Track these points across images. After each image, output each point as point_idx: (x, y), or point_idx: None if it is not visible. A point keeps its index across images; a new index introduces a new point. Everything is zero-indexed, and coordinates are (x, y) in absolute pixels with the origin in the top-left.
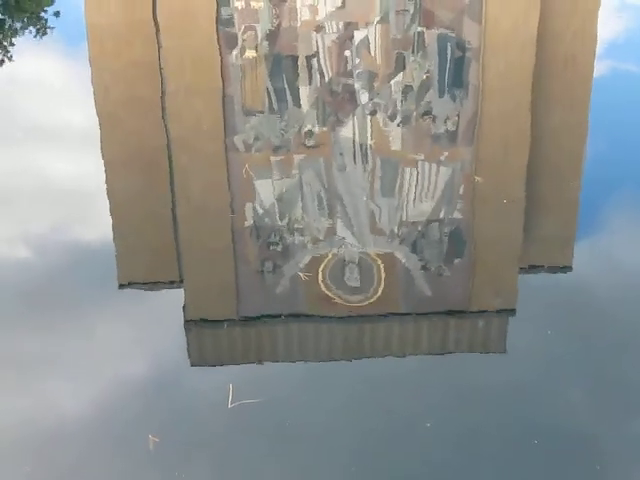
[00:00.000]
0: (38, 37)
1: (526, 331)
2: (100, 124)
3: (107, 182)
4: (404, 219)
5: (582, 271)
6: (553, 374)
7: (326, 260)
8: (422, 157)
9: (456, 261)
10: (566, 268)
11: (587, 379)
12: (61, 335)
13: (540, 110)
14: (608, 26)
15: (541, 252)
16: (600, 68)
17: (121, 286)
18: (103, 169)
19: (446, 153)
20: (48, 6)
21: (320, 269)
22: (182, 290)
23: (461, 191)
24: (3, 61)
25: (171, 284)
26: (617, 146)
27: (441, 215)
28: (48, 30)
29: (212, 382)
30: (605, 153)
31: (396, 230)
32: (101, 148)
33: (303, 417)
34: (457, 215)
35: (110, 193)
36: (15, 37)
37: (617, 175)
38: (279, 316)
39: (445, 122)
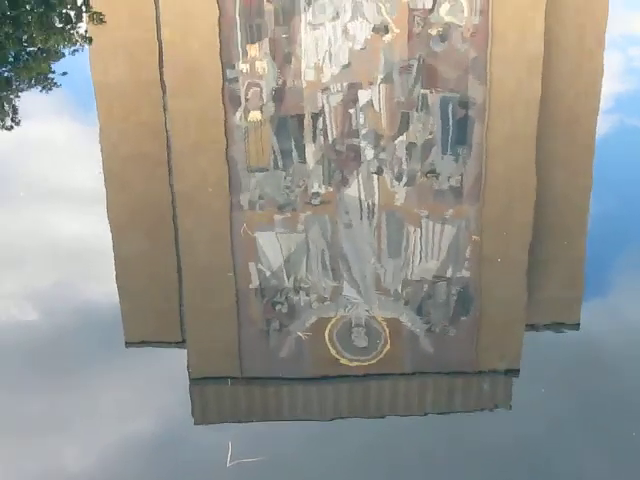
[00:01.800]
0: (45, 95)
1: (532, 390)
2: (106, 183)
3: (113, 241)
4: (410, 278)
5: (590, 329)
6: (558, 433)
7: (331, 321)
8: (426, 215)
9: (462, 321)
10: (573, 326)
11: (594, 438)
12: (66, 394)
13: (545, 169)
14: (612, 85)
15: (548, 310)
16: (604, 126)
17: (127, 345)
18: (109, 228)
19: (451, 211)
20: (55, 61)
21: (325, 329)
22: (186, 350)
23: (466, 250)
24: (10, 120)
25: (176, 344)
26: (622, 203)
27: (446, 274)
28: (55, 88)
29: (214, 441)
30: (610, 210)
31: (401, 290)
32: (107, 207)
33: (304, 477)
34: (463, 274)
35: (116, 252)
36: (22, 96)
37: (623, 232)
38: (282, 377)
39: (449, 180)
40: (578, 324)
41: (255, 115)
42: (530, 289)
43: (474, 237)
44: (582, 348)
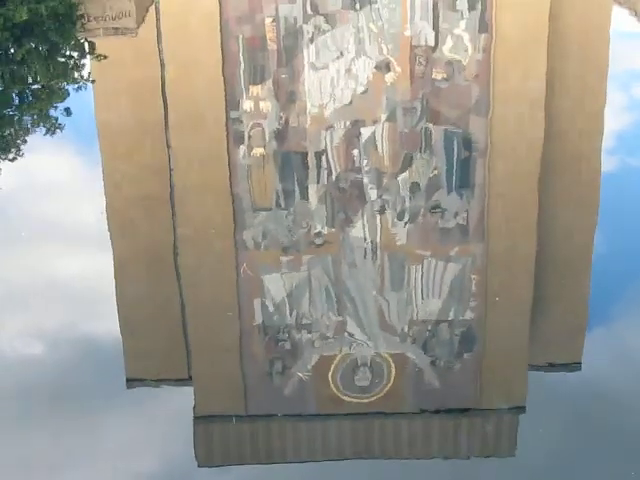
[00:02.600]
0: (48, 134)
1: (536, 428)
2: (109, 222)
3: (116, 280)
4: (414, 318)
5: (593, 367)
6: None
7: (335, 359)
8: (430, 254)
9: (465, 359)
10: (576, 364)
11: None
12: (67, 433)
13: (549, 207)
14: (615, 122)
15: (551, 348)
16: (608, 164)
17: (129, 383)
18: (112, 267)
19: (454, 250)
20: (59, 102)
21: (329, 368)
22: (191, 388)
23: (470, 288)
24: (14, 159)
25: (176, 381)
26: (626, 241)
27: (450, 313)
28: (58, 128)
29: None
30: (615, 248)
31: (406, 329)
32: (111, 246)
33: None
34: (467, 312)
35: (119, 291)
36: (26, 134)
37: (626, 270)
38: (287, 415)
39: (452, 219)
40: (580, 363)
41: (258, 154)
42: (533, 326)
43: (473, 276)
44: (585, 386)
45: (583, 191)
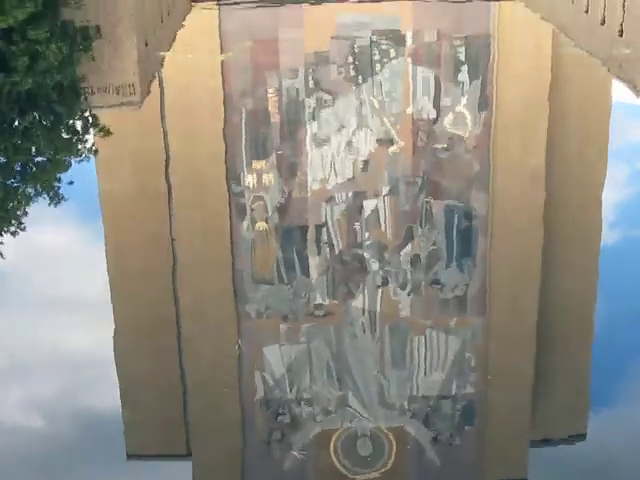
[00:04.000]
0: (51, 205)
1: None
2: (111, 294)
3: (116, 352)
4: (414, 393)
5: (595, 440)
6: None
7: (335, 434)
8: (431, 326)
9: (467, 433)
10: (579, 437)
11: None
12: None
13: (549, 279)
14: (615, 195)
15: (553, 422)
16: (608, 237)
17: (129, 457)
18: (113, 339)
19: (455, 322)
20: (63, 173)
21: (329, 443)
22: (190, 463)
23: (471, 361)
24: (16, 230)
25: (179, 457)
26: (627, 313)
27: (452, 387)
28: (61, 199)
29: None
30: (615, 320)
31: (406, 405)
32: (113, 318)
33: None
34: (468, 386)
35: (119, 363)
36: (29, 206)
37: (628, 342)
38: None
39: (454, 291)
40: (584, 435)
41: (260, 227)
42: (535, 399)
43: (468, 354)
44: (587, 459)
45: (584, 263)
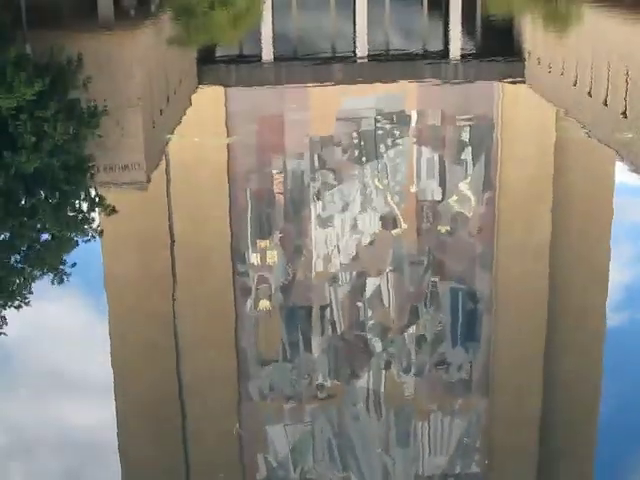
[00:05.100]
0: (56, 286)
1: None
2: (114, 372)
3: (119, 430)
4: (419, 472)
5: None
6: None
7: None
8: (434, 408)
9: None
10: None
11: None
12: None
13: (553, 359)
14: (619, 274)
15: None
16: (612, 317)
17: None
18: (115, 417)
19: (460, 403)
20: (68, 253)
21: None
22: None
23: (476, 442)
24: (20, 308)
25: None
26: (632, 395)
27: (456, 467)
28: (66, 277)
29: None
30: (621, 402)
31: None
32: (115, 397)
33: None
34: (473, 466)
35: (122, 442)
36: (33, 284)
37: (633, 424)
38: None
39: (458, 372)
40: None
41: (264, 307)
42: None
43: (465, 439)
44: None
45: (588, 343)
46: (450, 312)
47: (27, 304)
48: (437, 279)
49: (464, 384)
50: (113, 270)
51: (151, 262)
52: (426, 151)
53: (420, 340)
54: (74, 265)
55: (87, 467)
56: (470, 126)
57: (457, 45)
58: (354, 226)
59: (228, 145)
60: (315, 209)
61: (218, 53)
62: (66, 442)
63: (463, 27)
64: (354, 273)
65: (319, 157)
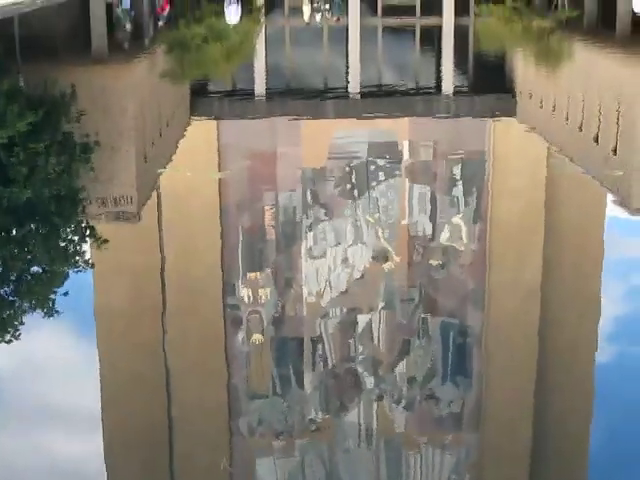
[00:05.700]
0: (46, 317)
1: None
2: (103, 405)
3: (107, 463)
4: None
5: None
6: None
7: None
8: (425, 443)
9: None
10: None
11: None
12: None
13: (544, 396)
14: (611, 310)
15: None
16: (604, 353)
17: None
18: (104, 450)
19: (450, 439)
20: (58, 285)
21: None
22: None
23: (466, 478)
24: (9, 340)
25: None
26: (624, 431)
27: None
28: (56, 311)
29: None
30: (612, 439)
31: None
32: (103, 429)
33: None
34: None
35: (110, 476)
36: (22, 316)
37: (624, 462)
38: None
39: (448, 408)
40: None
41: (255, 340)
42: None
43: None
44: None
45: (579, 380)
46: (441, 347)
47: (17, 337)
48: (429, 314)
49: (455, 419)
50: (103, 301)
51: (142, 294)
52: (418, 186)
53: (411, 375)
54: (66, 294)
55: None
56: (462, 161)
57: (449, 81)
58: (345, 260)
59: (220, 179)
60: (306, 243)
61: (211, 87)
62: (53, 473)
63: (455, 63)
64: (344, 307)
65: (311, 192)
